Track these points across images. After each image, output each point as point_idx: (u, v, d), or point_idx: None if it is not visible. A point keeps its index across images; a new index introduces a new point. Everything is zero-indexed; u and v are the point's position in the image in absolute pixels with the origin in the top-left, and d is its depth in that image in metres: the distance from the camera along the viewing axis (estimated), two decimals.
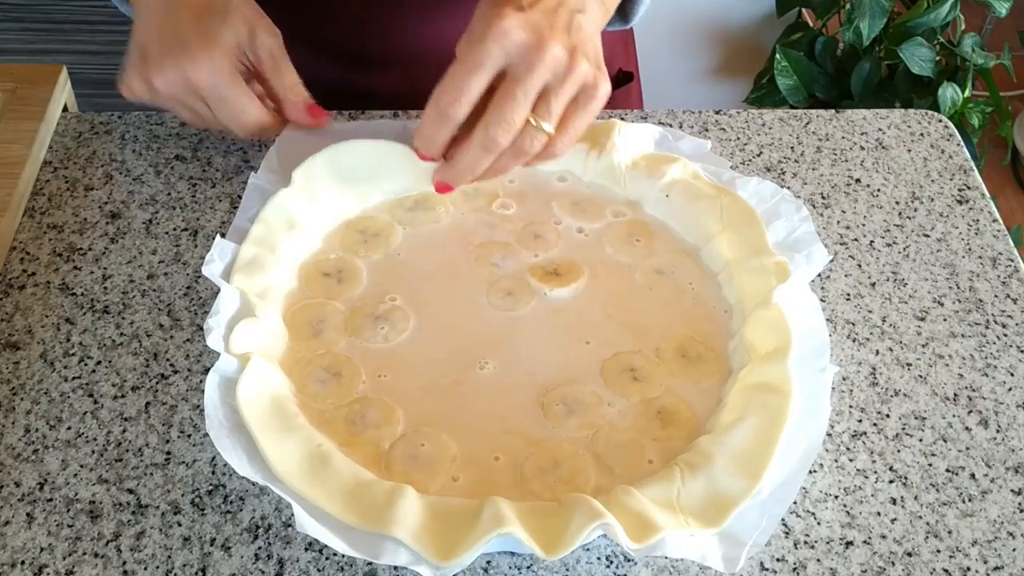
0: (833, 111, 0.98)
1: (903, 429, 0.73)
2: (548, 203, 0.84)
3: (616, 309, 0.76)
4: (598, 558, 0.65)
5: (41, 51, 1.96)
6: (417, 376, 0.71)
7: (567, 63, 0.69)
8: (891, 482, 0.70)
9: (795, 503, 0.68)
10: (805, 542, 0.66)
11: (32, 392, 0.73)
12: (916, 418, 0.73)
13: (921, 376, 0.76)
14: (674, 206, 0.81)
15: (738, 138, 0.94)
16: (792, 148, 0.94)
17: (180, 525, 0.66)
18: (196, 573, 0.64)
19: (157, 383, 0.74)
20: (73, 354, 0.76)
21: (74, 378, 0.74)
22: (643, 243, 0.81)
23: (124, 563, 0.65)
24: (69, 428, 0.71)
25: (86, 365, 0.75)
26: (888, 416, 0.73)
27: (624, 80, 1.11)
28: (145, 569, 0.64)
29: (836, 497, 0.68)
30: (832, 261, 0.84)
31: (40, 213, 0.86)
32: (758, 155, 0.93)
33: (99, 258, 0.82)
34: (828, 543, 0.66)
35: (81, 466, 0.69)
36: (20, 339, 0.77)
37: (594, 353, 0.73)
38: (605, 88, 0.72)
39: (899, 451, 0.71)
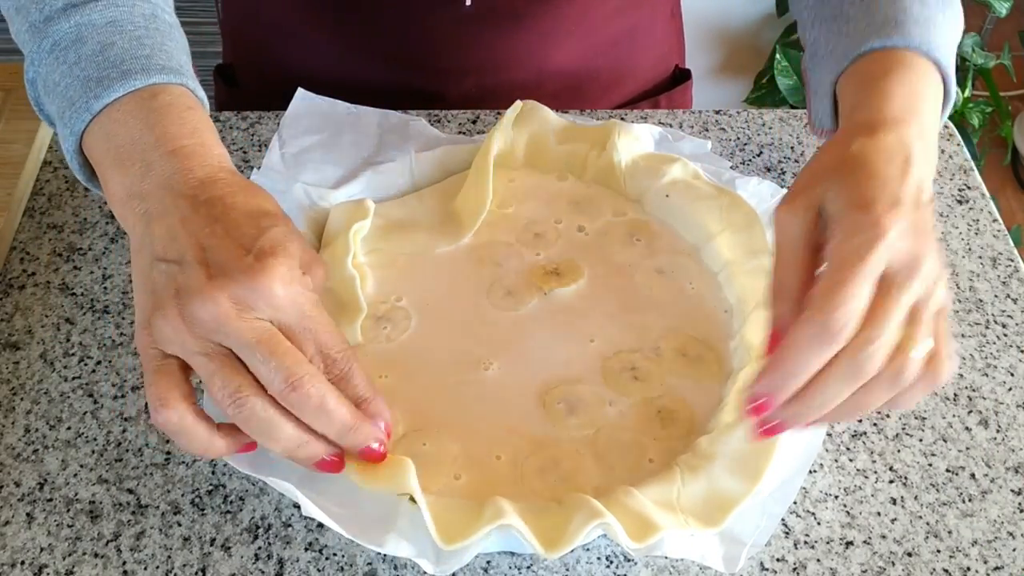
0: None
1: (903, 429, 0.73)
2: (549, 202, 0.83)
3: (617, 308, 0.76)
4: (598, 558, 0.65)
5: None
6: (418, 377, 0.71)
7: (936, 271, 0.58)
8: (891, 482, 0.69)
9: (795, 503, 0.68)
10: (805, 542, 0.66)
11: (32, 392, 0.73)
12: (916, 418, 0.73)
13: None
14: (674, 206, 0.81)
15: (738, 138, 0.94)
16: (792, 148, 0.94)
17: (180, 525, 0.66)
18: (196, 573, 0.64)
19: None
20: (73, 354, 0.76)
21: (74, 378, 0.74)
22: (643, 243, 0.80)
23: (124, 563, 0.65)
24: (69, 428, 0.71)
25: (86, 365, 0.75)
26: (888, 416, 0.73)
27: (683, 78, 1.11)
28: (145, 569, 0.64)
29: (836, 497, 0.68)
30: None
31: (40, 213, 0.86)
32: (758, 155, 0.93)
33: (99, 258, 0.82)
34: (828, 543, 0.66)
35: (81, 466, 0.69)
36: (20, 339, 0.76)
37: (595, 352, 0.73)
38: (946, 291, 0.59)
39: (899, 451, 0.71)
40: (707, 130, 0.94)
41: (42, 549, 0.65)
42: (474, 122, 0.92)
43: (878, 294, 0.56)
